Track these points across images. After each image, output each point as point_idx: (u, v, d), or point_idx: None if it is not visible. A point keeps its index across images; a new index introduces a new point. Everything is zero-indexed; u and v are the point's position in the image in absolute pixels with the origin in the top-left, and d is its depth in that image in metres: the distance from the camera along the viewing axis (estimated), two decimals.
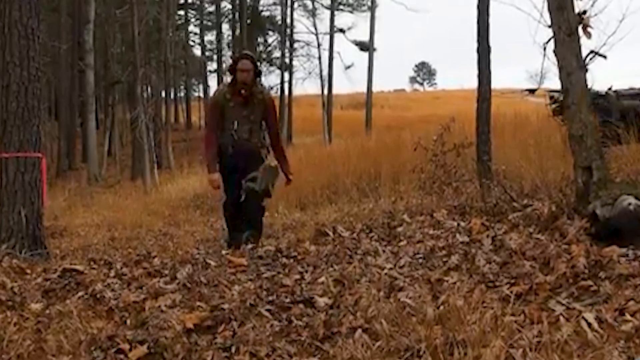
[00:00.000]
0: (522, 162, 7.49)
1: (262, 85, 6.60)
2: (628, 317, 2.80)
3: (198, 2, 43.42)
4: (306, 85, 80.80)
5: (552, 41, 4.53)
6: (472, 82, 7.34)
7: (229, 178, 6.12)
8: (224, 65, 40.57)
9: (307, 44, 39.46)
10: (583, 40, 4.49)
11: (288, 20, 37.54)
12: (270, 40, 41.73)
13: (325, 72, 36.78)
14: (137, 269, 4.44)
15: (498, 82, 7.88)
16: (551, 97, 10.17)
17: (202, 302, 3.50)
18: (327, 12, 37.42)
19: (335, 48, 36.56)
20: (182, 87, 47.50)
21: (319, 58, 37.74)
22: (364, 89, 35.66)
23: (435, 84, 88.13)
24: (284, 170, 6.21)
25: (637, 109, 9.16)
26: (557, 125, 10.02)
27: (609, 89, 9.95)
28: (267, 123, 6.24)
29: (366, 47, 36.21)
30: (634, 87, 10.02)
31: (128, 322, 3.28)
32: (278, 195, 10.30)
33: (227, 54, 40.65)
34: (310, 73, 38.49)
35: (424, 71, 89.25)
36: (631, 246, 3.63)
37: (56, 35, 26.88)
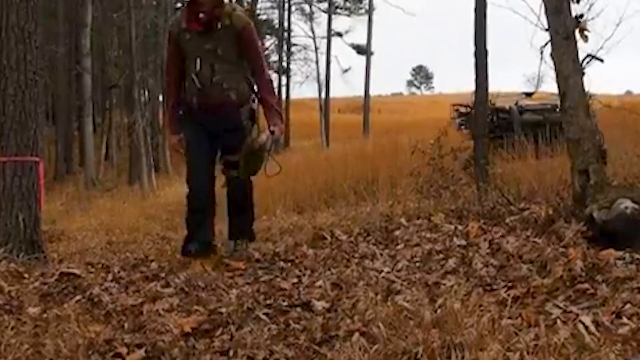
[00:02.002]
0: (520, 165, 7.50)
1: (235, 6, 4.91)
2: (625, 320, 2.80)
3: None
4: (303, 89, 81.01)
5: (549, 45, 4.54)
6: (470, 86, 7.35)
7: (194, 144, 4.57)
8: None
9: (305, 47, 39.57)
10: (580, 43, 4.51)
11: (285, 24, 37.58)
12: (267, 43, 41.75)
13: (322, 76, 36.87)
14: (135, 272, 4.44)
15: (495, 85, 7.91)
16: (457, 110, 10.21)
17: (200, 305, 3.50)
18: (325, 16, 37.55)
19: (332, 52, 36.64)
20: None
21: (317, 62, 37.86)
22: (362, 93, 35.71)
23: (433, 87, 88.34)
24: (268, 121, 4.59)
25: (539, 124, 9.25)
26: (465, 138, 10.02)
27: (515, 103, 10.02)
28: (246, 59, 4.55)
29: (363, 50, 36.28)
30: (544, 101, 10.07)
31: (126, 325, 3.27)
32: (275, 199, 10.33)
33: None
34: (307, 77, 38.59)
35: (421, 75, 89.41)
36: (628, 249, 3.64)
37: (53, 39, 26.82)
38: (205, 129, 4.52)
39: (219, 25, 4.39)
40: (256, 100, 4.71)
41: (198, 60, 4.41)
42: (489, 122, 9.56)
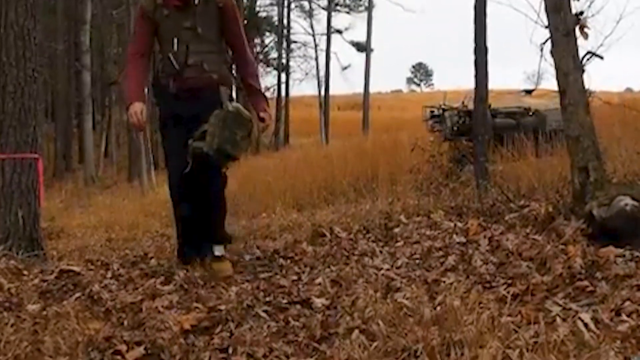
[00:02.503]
0: (519, 162, 7.50)
1: None
2: (624, 317, 2.80)
3: None
4: (303, 86, 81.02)
5: (549, 42, 4.54)
6: (470, 83, 7.35)
7: (174, 134, 4.12)
8: None
9: (304, 44, 39.53)
10: (580, 41, 4.50)
11: (285, 21, 37.53)
12: (267, 41, 41.77)
13: (322, 73, 36.85)
14: (134, 270, 4.44)
15: (495, 82, 7.90)
16: (431, 112, 10.21)
17: (199, 303, 3.50)
18: (324, 13, 37.50)
19: (332, 49, 36.60)
20: None
21: (316, 59, 37.85)
22: (361, 90, 35.69)
23: (433, 84, 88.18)
24: (256, 108, 4.16)
25: (510, 127, 9.24)
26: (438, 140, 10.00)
27: (488, 107, 10.01)
28: (228, 38, 4.17)
29: (363, 47, 36.24)
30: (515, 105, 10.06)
31: (125, 323, 3.27)
32: (275, 196, 10.34)
33: None
34: (307, 74, 38.58)
35: (421, 72, 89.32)
36: (628, 247, 3.64)
37: (52, 36, 26.81)
38: (182, 113, 4.02)
39: (197, 1, 3.99)
40: (234, 87, 4.39)
41: (175, 40, 3.97)
42: (461, 124, 9.55)
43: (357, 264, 4.05)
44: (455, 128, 9.63)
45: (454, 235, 4.49)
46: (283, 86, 38.10)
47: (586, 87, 4.46)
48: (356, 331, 2.89)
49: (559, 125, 9.37)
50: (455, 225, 4.79)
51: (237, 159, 4.05)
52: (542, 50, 4.72)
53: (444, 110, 9.89)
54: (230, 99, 4.07)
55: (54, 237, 8.74)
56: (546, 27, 4.54)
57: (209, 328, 3.17)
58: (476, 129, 7.17)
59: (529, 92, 11.85)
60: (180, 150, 3.93)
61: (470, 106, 9.94)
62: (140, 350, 2.91)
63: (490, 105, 10.10)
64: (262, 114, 4.13)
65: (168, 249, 5.35)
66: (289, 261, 4.47)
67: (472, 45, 7.08)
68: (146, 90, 4.45)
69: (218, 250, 4.23)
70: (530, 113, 10.01)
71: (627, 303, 2.92)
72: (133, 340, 2.99)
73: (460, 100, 10.43)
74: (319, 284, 3.72)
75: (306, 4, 38.68)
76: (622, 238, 3.76)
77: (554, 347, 2.52)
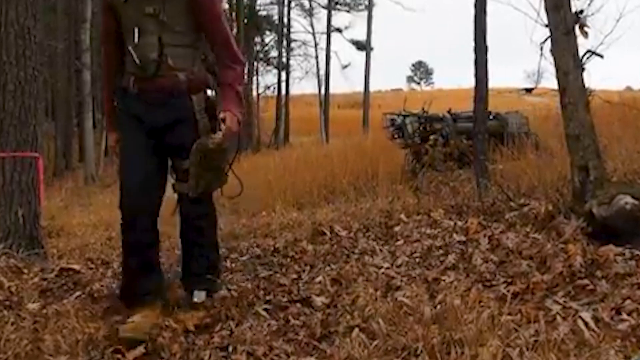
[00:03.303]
0: (519, 161, 7.50)
1: None
2: (625, 316, 2.80)
3: None
4: (303, 85, 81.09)
5: (549, 40, 4.54)
6: (469, 82, 7.35)
7: (132, 145, 3.35)
8: None
9: (304, 43, 39.50)
10: (580, 39, 4.50)
11: (285, 20, 37.50)
12: (267, 39, 41.73)
13: (322, 72, 36.80)
14: None
15: (495, 81, 7.91)
16: (390, 119, 10.15)
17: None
18: (324, 12, 37.46)
19: (332, 47, 36.55)
20: None
21: (316, 57, 37.79)
22: (361, 89, 35.68)
23: (432, 83, 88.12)
24: (224, 108, 3.28)
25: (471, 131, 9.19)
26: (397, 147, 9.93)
27: (448, 111, 9.97)
28: (205, 33, 3.38)
29: (363, 46, 36.22)
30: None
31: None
32: (275, 194, 10.33)
33: None
34: (307, 72, 38.53)
35: (421, 70, 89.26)
36: (628, 245, 3.64)
37: (53, 35, 26.79)
38: (146, 127, 3.31)
39: None
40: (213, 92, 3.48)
41: (136, 30, 3.25)
42: (422, 130, 9.51)
43: (357, 263, 4.06)
44: (416, 134, 9.56)
45: (454, 234, 4.49)
46: (283, 85, 38.10)
47: (586, 85, 4.46)
48: (356, 330, 2.89)
49: (520, 128, 9.39)
50: (455, 223, 4.79)
51: (223, 182, 3.45)
52: (542, 49, 4.73)
53: (404, 117, 9.81)
54: (209, 108, 3.37)
55: (54, 235, 8.73)
56: (546, 25, 4.54)
57: (209, 326, 3.18)
58: (476, 126, 7.16)
59: (529, 90, 11.82)
60: (139, 164, 3.28)
61: (431, 112, 9.94)
62: (140, 349, 2.92)
63: (450, 110, 10.08)
64: (222, 114, 3.25)
65: (167, 247, 5.34)
66: (289, 260, 4.47)
67: (472, 44, 7.08)
68: None
69: (198, 297, 3.44)
70: (491, 117, 9.90)
71: (628, 302, 2.93)
72: None
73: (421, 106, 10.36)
74: (319, 282, 3.73)
75: (306, 2, 38.69)
76: (622, 237, 3.76)
77: (554, 345, 2.52)
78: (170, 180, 3.47)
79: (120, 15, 3.33)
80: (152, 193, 3.35)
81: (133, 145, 3.34)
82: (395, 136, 9.94)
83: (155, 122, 3.29)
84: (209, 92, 3.42)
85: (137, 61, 3.26)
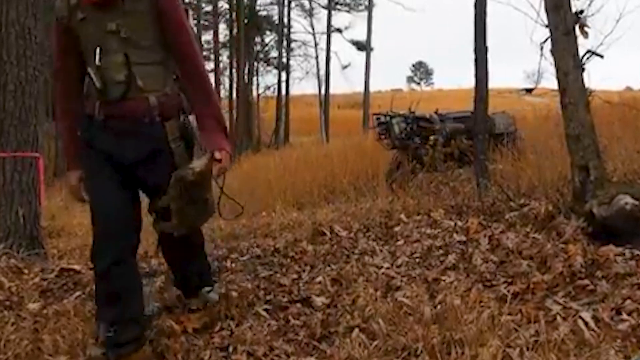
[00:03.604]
0: (519, 161, 7.49)
1: None
2: (625, 316, 2.81)
3: (195, 2, 43.38)
4: (303, 85, 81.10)
5: (549, 41, 4.54)
6: (470, 82, 7.34)
7: (101, 179, 2.91)
8: (221, 65, 40.57)
9: (304, 43, 39.53)
10: (580, 39, 4.50)
11: (285, 20, 37.51)
12: (267, 40, 41.72)
13: (322, 72, 36.83)
14: None
15: (495, 81, 7.90)
16: (377, 119, 10.11)
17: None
18: (324, 12, 37.50)
19: (332, 48, 36.63)
20: None
21: (316, 58, 37.84)
22: (361, 89, 35.69)
23: (433, 83, 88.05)
24: (209, 145, 2.87)
25: (460, 132, 9.17)
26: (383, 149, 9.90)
27: (435, 111, 9.95)
28: (171, 46, 2.91)
29: (363, 46, 36.22)
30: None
31: None
32: (275, 194, 10.34)
33: (225, 53, 40.66)
34: (307, 73, 38.56)
35: (421, 70, 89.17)
36: (628, 245, 3.64)
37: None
38: (115, 162, 2.89)
39: None
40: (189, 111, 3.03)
41: (98, 50, 2.84)
42: (409, 130, 9.47)
43: (357, 263, 4.05)
44: (403, 135, 9.51)
45: (454, 234, 4.49)
46: (283, 85, 38.12)
47: (586, 86, 4.47)
48: (356, 330, 2.89)
49: (507, 128, 9.38)
50: (455, 224, 4.79)
51: (209, 214, 3.04)
52: (542, 49, 4.72)
53: (391, 117, 9.77)
54: (184, 135, 2.95)
55: (55, 235, 8.73)
56: (546, 26, 4.54)
57: (209, 326, 3.18)
58: (476, 128, 7.16)
59: (529, 90, 11.79)
60: (113, 203, 2.86)
61: (418, 112, 9.91)
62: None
63: (437, 110, 10.06)
64: (217, 154, 2.85)
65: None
66: (289, 260, 4.47)
67: (472, 44, 7.08)
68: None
69: (194, 304, 3.35)
70: None
71: (628, 302, 2.93)
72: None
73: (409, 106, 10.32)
74: (319, 282, 3.73)
75: (306, 2, 38.70)
76: (622, 237, 3.76)
77: (555, 345, 2.53)
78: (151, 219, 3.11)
79: (79, 36, 2.90)
80: (131, 234, 2.93)
81: (102, 182, 2.89)
82: (382, 136, 9.90)
83: (125, 158, 2.87)
84: (183, 116, 2.99)
85: (98, 84, 2.83)
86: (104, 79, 2.83)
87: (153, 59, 2.89)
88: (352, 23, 39.14)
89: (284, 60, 37.68)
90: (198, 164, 2.81)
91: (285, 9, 37.45)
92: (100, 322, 2.84)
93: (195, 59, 2.94)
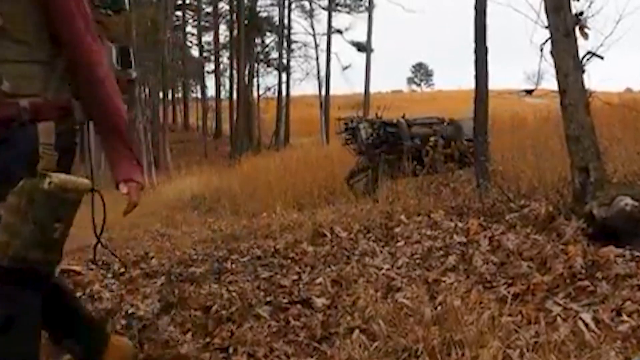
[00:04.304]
0: (520, 162, 7.49)
1: None
2: (625, 317, 2.80)
3: (195, 3, 43.41)
4: (304, 86, 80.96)
5: (549, 42, 4.54)
6: (470, 83, 7.35)
7: None
8: (221, 67, 40.63)
9: (305, 44, 39.62)
10: (580, 41, 4.50)
11: (285, 21, 37.57)
12: (267, 41, 41.80)
13: (322, 73, 36.93)
14: (135, 269, 4.44)
15: (495, 82, 7.87)
16: (344, 124, 9.98)
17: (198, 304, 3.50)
18: (325, 13, 37.59)
19: (332, 49, 36.71)
20: (179, 88, 47.42)
21: (317, 59, 37.93)
22: (362, 90, 35.70)
23: (433, 84, 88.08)
24: (115, 172, 2.42)
25: (428, 136, 9.08)
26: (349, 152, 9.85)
27: (402, 116, 9.86)
28: (59, 33, 2.19)
29: (363, 48, 36.26)
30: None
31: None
32: (275, 195, 10.35)
33: (225, 55, 40.72)
34: (307, 74, 38.63)
35: (421, 72, 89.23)
36: (628, 246, 3.64)
37: None
38: None
39: None
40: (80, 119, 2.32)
41: None
42: (375, 137, 9.33)
43: (357, 264, 4.05)
44: (370, 141, 9.37)
45: (455, 235, 4.49)
46: (284, 86, 38.17)
47: (586, 87, 4.47)
48: (357, 331, 2.89)
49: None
50: (455, 225, 4.79)
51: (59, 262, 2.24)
52: (542, 50, 4.72)
53: (358, 122, 9.63)
54: (62, 158, 2.27)
55: None
56: (546, 27, 4.54)
57: (209, 328, 3.18)
58: (476, 128, 7.16)
59: (529, 92, 11.78)
60: None
61: (385, 117, 9.82)
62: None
63: (404, 115, 9.98)
64: (122, 187, 2.38)
65: (168, 249, 5.35)
66: (289, 261, 4.47)
67: (472, 45, 7.08)
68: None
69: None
70: (446, 123, 9.74)
71: (628, 303, 2.92)
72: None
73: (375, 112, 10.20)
74: (320, 283, 3.72)
75: (307, 4, 38.77)
76: (622, 238, 3.76)
77: (555, 347, 2.52)
78: None
79: None
80: None
81: None
82: (349, 142, 9.78)
83: None
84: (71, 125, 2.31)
85: None
86: None
87: (33, 57, 2.19)
88: (352, 24, 39.25)
89: (285, 61, 37.73)
90: (65, 178, 2.12)
91: (286, 10, 37.51)
92: None
93: (89, 61, 2.24)
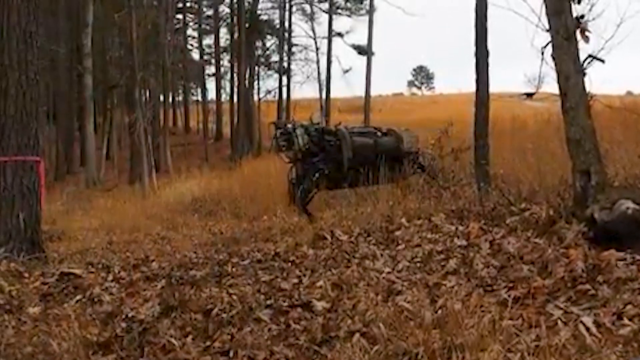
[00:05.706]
0: (520, 166, 7.49)
1: None
2: (626, 321, 2.80)
3: (196, 6, 43.43)
4: (304, 89, 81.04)
5: (550, 45, 4.54)
6: (470, 86, 7.34)
7: None
8: (222, 70, 40.63)
9: (305, 47, 39.55)
10: (581, 44, 4.50)
11: (286, 24, 37.59)
12: (268, 44, 41.74)
13: (323, 76, 36.87)
14: (135, 273, 4.44)
15: (496, 85, 7.86)
16: (278, 128, 9.44)
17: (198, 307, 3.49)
18: (325, 16, 37.50)
19: (333, 52, 36.63)
20: (180, 91, 47.42)
21: (317, 62, 37.85)
22: (362, 93, 35.69)
23: (433, 87, 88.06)
24: None
25: (369, 146, 8.81)
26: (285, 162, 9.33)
27: (338, 124, 9.54)
28: None
29: (364, 51, 36.23)
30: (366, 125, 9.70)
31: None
32: (276, 198, 10.33)
33: (226, 57, 40.73)
34: (308, 77, 38.56)
35: (422, 75, 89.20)
36: (629, 250, 3.63)
37: (54, 39, 26.82)
38: None
39: None
40: None
41: None
42: (312, 143, 8.75)
43: (358, 267, 4.05)
44: (306, 147, 8.66)
45: (455, 239, 4.49)
46: (284, 89, 38.15)
47: (587, 90, 4.46)
48: (357, 334, 2.89)
49: (409, 148, 9.08)
50: (456, 228, 4.79)
51: None
52: (543, 53, 4.72)
53: (294, 127, 9.06)
54: None
55: (55, 239, 8.73)
56: (547, 30, 4.54)
57: (209, 331, 3.17)
58: (477, 131, 7.16)
59: (530, 95, 11.76)
60: None
61: (317, 121, 9.49)
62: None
63: (340, 123, 9.69)
64: None
65: (169, 252, 5.35)
66: (290, 264, 4.47)
67: (472, 48, 7.08)
68: None
69: None
70: (387, 134, 9.34)
71: (629, 306, 2.92)
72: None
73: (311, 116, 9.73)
74: (320, 287, 3.72)
75: (307, 7, 38.73)
76: (623, 241, 3.75)
77: (556, 350, 2.52)
78: None
79: None
80: None
81: None
82: (283, 148, 9.10)
83: None
84: None
85: None
86: None
87: None
88: (353, 27, 38.93)
89: (285, 64, 37.74)
90: None
91: (287, 13, 37.53)
92: None
93: None
